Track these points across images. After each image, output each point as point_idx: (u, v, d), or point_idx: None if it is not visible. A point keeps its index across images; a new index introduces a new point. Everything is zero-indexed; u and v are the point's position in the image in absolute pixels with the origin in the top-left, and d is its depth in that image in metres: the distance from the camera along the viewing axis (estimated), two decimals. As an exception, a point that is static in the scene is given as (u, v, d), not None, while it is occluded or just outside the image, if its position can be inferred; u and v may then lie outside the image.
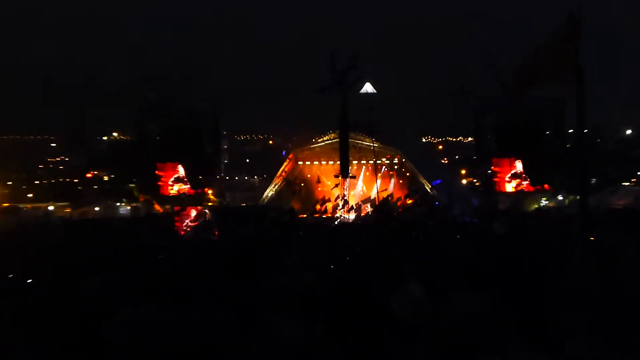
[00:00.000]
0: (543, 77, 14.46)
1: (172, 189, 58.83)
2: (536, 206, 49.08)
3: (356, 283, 9.26)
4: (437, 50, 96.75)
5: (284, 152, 68.93)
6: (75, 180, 66.54)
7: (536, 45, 14.85)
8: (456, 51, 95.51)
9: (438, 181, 56.78)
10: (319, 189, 63.57)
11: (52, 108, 77.89)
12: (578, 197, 15.15)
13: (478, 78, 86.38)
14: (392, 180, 65.20)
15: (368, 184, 65.05)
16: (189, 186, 59.10)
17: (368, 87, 55.04)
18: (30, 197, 61.52)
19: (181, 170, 58.78)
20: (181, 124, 59.56)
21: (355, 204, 57.64)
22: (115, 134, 75.63)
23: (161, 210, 55.35)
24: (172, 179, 58.83)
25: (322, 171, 65.55)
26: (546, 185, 58.59)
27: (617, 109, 71.10)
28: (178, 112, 60.50)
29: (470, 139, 71.47)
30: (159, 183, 58.86)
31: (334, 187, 57.73)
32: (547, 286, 8.35)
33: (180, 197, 57.23)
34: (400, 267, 9.89)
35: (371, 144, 58.17)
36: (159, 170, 58.92)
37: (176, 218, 51.18)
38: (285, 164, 66.01)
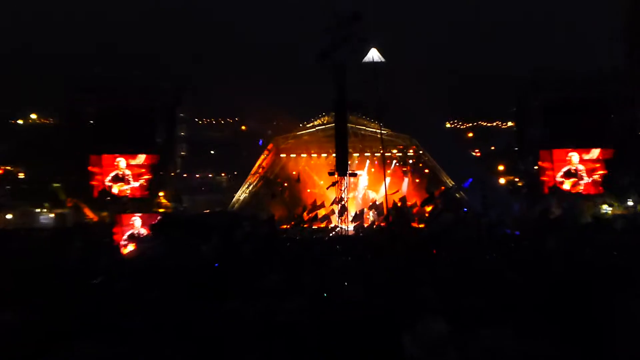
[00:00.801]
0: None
1: (111, 190, 58.61)
2: (595, 213, 49.09)
3: (356, 315, 9.28)
4: (468, 7, 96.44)
5: (260, 141, 68.82)
6: (-20, 179, 66.35)
7: None
8: (495, 8, 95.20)
9: (469, 181, 56.52)
10: (308, 190, 63.65)
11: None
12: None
13: (521, 44, 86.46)
14: (406, 179, 65.26)
15: (374, 183, 65.15)
16: (133, 186, 58.88)
17: (374, 55, 54.68)
18: None
19: (123, 165, 58.52)
20: (124, 104, 59.12)
21: (357, 211, 57.63)
22: (33, 116, 75.26)
23: (96, 219, 55.19)
24: (110, 177, 58.59)
25: (312, 167, 65.60)
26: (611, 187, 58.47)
27: None
28: (120, 87, 60.03)
29: (510, 124, 71.47)
30: (94, 182, 58.59)
31: (329, 187, 57.72)
32: (612, 330, 8.32)
33: (121, 201, 57.03)
34: (415, 296, 9.91)
35: (378, 131, 58.17)
36: (94, 166, 58.65)
37: (115, 229, 51.32)
38: (262, 157, 65.91)
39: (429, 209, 49.18)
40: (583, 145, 59.22)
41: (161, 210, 56.49)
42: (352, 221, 54.66)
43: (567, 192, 58.80)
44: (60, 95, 61.49)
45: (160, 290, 11.28)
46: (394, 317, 8.74)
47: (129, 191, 58.47)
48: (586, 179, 59.13)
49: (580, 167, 59.21)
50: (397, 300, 10.19)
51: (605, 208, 54.55)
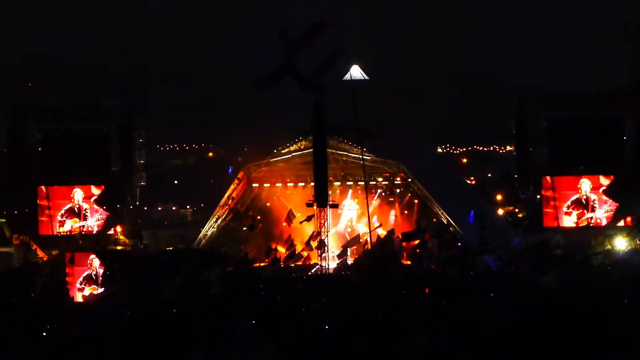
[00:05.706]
0: None
1: (63, 226, 58.19)
2: (609, 248, 48.96)
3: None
4: (461, 18, 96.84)
5: (230, 169, 68.69)
6: None
7: None
8: (490, 20, 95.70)
9: (472, 214, 55.90)
10: (284, 224, 63.52)
11: None
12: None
13: (521, 56, 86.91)
14: (393, 210, 65.19)
15: (357, 215, 65.09)
16: (87, 222, 58.40)
17: (356, 72, 54.96)
18: None
19: (79, 198, 57.95)
20: (75, 128, 58.83)
21: (340, 247, 57.56)
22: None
23: (45, 258, 54.84)
24: (63, 211, 58.19)
25: (288, 197, 65.48)
26: (627, 219, 57.84)
27: None
28: (70, 109, 59.78)
29: (509, 147, 71.66)
30: (43, 217, 58.23)
31: (302, 222, 57.44)
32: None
33: (74, 239, 56.63)
34: (407, 344, 10.04)
35: (361, 156, 58.17)
36: (44, 198, 58.28)
37: (68, 270, 51.09)
38: (232, 186, 65.64)
39: (416, 242, 49.19)
40: (595, 171, 58.72)
41: (119, 247, 56.08)
42: (333, 258, 54.63)
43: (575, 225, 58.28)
44: (5, 117, 61.00)
45: (117, 341, 11.37)
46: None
47: (83, 227, 57.97)
48: (599, 211, 58.36)
49: (593, 196, 58.56)
50: (383, 348, 10.35)
51: (620, 242, 53.67)
